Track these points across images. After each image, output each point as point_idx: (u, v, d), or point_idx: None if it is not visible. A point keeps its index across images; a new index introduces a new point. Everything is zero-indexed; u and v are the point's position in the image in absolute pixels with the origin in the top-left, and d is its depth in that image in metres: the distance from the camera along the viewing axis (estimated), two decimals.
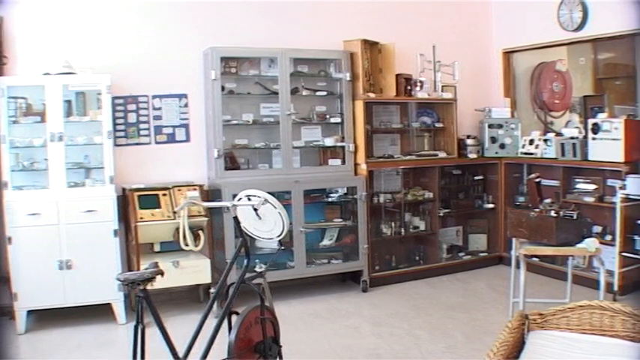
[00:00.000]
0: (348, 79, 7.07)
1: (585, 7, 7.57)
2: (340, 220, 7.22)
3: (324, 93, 7.23)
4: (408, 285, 7.33)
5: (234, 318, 4.02)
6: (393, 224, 7.51)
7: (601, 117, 7.21)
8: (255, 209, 4.06)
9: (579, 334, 3.72)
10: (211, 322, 3.90)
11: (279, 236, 4.20)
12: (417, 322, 6.04)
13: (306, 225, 6.81)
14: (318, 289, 7.11)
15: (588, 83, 9.55)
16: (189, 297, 6.68)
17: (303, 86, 7.14)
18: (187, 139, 6.86)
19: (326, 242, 7.21)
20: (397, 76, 7.46)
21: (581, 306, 3.77)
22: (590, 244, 5.34)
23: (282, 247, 6.47)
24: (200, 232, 6.20)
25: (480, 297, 6.94)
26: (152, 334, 3.59)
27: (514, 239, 5.95)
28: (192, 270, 6.20)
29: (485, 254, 8.26)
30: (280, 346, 4.30)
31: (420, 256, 7.81)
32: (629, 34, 7.26)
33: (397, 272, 7.47)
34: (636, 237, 6.74)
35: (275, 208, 4.07)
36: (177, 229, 6.00)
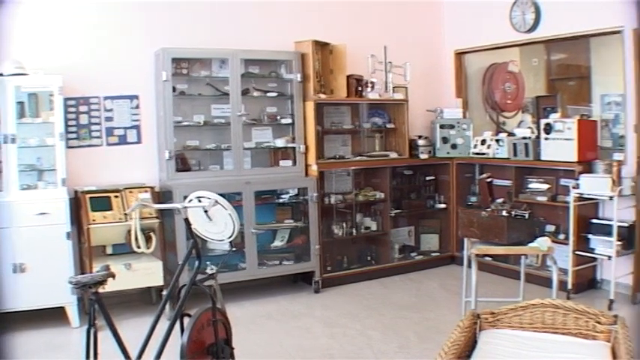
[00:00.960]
0: (299, 80, 7.34)
1: (538, 9, 7.98)
2: (291, 221, 7.49)
3: (275, 94, 7.47)
4: (361, 285, 7.63)
5: (186, 320, 4.15)
6: (344, 225, 7.80)
7: (554, 117, 7.56)
8: (206, 211, 4.23)
9: (531, 332, 3.89)
10: (164, 325, 4.02)
11: (229, 238, 4.35)
12: (370, 322, 6.30)
13: (258, 226, 7.03)
14: (270, 291, 7.35)
15: (541, 84, 9.86)
16: (141, 299, 6.82)
17: (254, 87, 7.36)
18: (139, 141, 7.04)
19: (277, 243, 7.46)
20: (348, 77, 7.75)
21: (533, 304, 3.95)
22: (542, 243, 5.56)
23: (234, 249, 6.77)
24: (152, 234, 6.37)
25: (433, 297, 7.25)
26: (105, 337, 3.71)
27: (466, 239, 6.22)
28: (144, 272, 6.37)
29: (438, 254, 8.62)
30: (232, 348, 4.47)
31: (372, 256, 8.12)
32: (583, 35, 7.70)
33: (349, 273, 7.77)
34: (590, 235, 7.14)
35: (225, 209, 4.24)
36: (129, 232, 6.18)
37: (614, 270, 6.77)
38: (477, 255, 5.70)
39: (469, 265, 5.84)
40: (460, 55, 9.24)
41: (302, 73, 7.42)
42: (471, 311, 4.02)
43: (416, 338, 5.86)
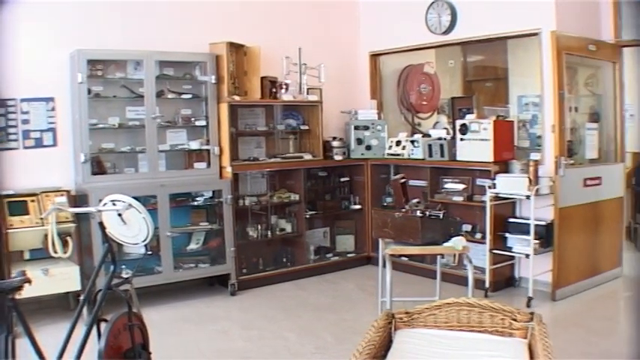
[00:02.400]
0: (214, 81, 7.52)
1: (454, 11, 8.34)
2: (206, 223, 7.68)
3: (190, 96, 7.64)
4: (277, 287, 7.88)
5: (103, 325, 4.20)
6: (259, 227, 8.05)
7: (469, 118, 7.89)
8: (120, 214, 4.31)
9: (447, 330, 4.03)
10: (82, 330, 4.09)
11: (144, 241, 4.42)
12: (286, 324, 6.50)
13: (173, 229, 7.19)
14: (187, 294, 7.48)
15: (457, 85, 10.42)
16: (59, 305, 6.80)
17: (168, 89, 7.49)
18: (55, 144, 7.05)
19: (193, 246, 7.64)
20: (263, 78, 7.99)
21: (448, 303, 4.08)
22: (456, 242, 5.72)
23: (149, 252, 6.90)
24: (68, 239, 6.43)
25: (349, 297, 7.55)
26: (23, 344, 3.75)
27: (380, 239, 6.39)
28: (61, 277, 6.42)
29: (353, 255, 8.95)
30: (150, 353, 4.56)
31: (288, 258, 8.37)
32: (500, 36, 8.09)
33: (265, 275, 8.00)
34: (507, 234, 7.53)
35: (140, 212, 4.32)
36: (46, 236, 6.21)
37: (533, 268, 7.11)
38: (392, 255, 5.87)
39: (384, 266, 6.00)
40: (375, 56, 9.57)
41: (216, 75, 7.59)
42: (385, 311, 4.16)
43: (332, 339, 6.08)
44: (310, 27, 8.97)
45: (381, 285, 6.32)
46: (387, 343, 3.85)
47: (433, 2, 8.51)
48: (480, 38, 8.28)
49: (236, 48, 7.82)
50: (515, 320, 3.97)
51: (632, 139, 10.63)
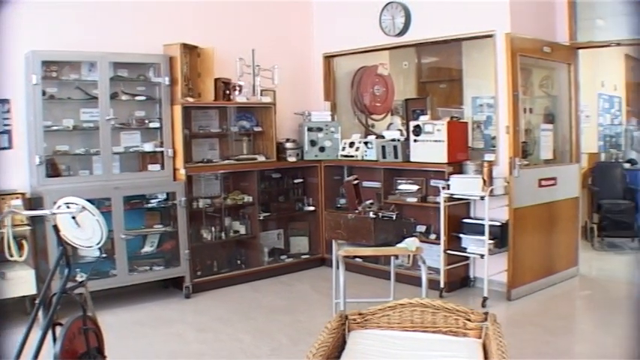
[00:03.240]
0: (167, 83, 7.58)
1: (408, 13, 8.52)
2: (161, 226, 7.74)
3: (144, 98, 7.67)
4: (231, 289, 7.98)
5: (58, 329, 4.21)
6: (213, 229, 8.13)
7: (423, 119, 8.05)
8: (74, 217, 4.31)
9: (400, 331, 4.07)
10: (38, 335, 4.09)
11: (98, 244, 4.42)
12: (241, 326, 6.58)
13: (127, 232, 7.21)
14: (142, 297, 7.52)
15: (411, 86, 10.59)
16: (16, 309, 6.72)
17: (122, 91, 7.52)
18: (10, 146, 7.02)
19: (147, 249, 7.69)
20: (216, 80, 8.06)
21: (401, 304, 4.13)
22: (410, 243, 5.74)
23: (104, 255, 6.90)
24: (24, 242, 6.40)
25: (304, 299, 7.67)
26: None
27: (333, 241, 6.43)
28: (17, 281, 6.42)
29: (308, 256, 9.10)
30: (105, 356, 4.58)
31: (242, 260, 8.49)
32: (454, 38, 8.30)
33: (220, 277, 8.10)
34: (462, 235, 7.70)
35: (93, 215, 4.32)
36: (2, 239, 6.06)
37: (488, 268, 7.29)
38: (346, 257, 5.88)
39: (338, 267, 6.00)
40: (329, 58, 9.73)
41: (170, 77, 7.66)
42: (339, 312, 4.21)
43: (288, 341, 6.18)
44: (264, 28, 9.08)
45: (335, 286, 6.37)
46: (340, 345, 3.90)
47: (387, 4, 8.68)
48: (434, 40, 8.47)
49: (190, 49, 7.89)
50: (469, 320, 4.04)
51: (588, 140, 10.99)
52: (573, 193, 8.51)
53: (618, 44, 8.50)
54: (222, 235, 8.28)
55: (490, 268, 7.33)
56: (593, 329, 6.94)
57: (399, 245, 5.88)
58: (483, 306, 7.14)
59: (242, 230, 8.48)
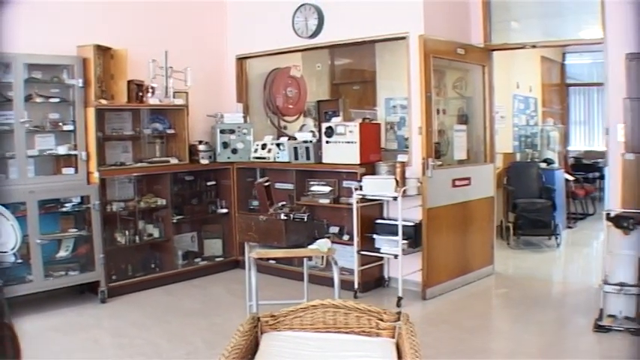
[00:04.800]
0: (81, 85, 8.08)
1: (321, 15, 9.26)
2: (75, 230, 8.21)
3: (58, 100, 8.14)
4: (146, 293, 8.55)
5: None
6: (127, 232, 8.73)
7: (335, 121, 8.75)
8: None
9: (313, 332, 4.30)
10: None
11: (13, 249, 4.80)
12: (157, 330, 7.07)
13: (42, 236, 7.64)
14: (58, 302, 7.88)
15: (324, 88, 11.43)
16: None
17: (37, 93, 7.95)
18: None
19: (63, 253, 8.13)
20: (129, 82, 8.63)
21: (313, 305, 4.37)
22: (322, 244, 6.18)
23: (19, 261, 7.33)
24: None
25: (219, 302, 8.27)
26: None
27: (246, 243, 6.92)
28: None
29: (222, 259, 9.83)
30: None
31: (157, 263, 9.11)
32: (367, 40, 9.04)
33: (134, 281, 8.68)
34: (375, 235, 8.35)
35: (7, 220, 4.68)
36: None
37: (402, 268, 7.93)
38: (260, 259, 6.35)
39: (250, 269, 6.33)
40: (242, 59, 10.50)
41: (84, 79, 8.16)
42: (251, 315, 4.44)
43: (203, 344, 6.66)
44: (177, 30, 9.72)
45: (248, 289, 6.74)
46: (253, 347, 4.13)
47: (300, 6, 9.44)
48: (347, 42, 9.22)
49: (103, 51, 8.44)
50: (381, 320, 4.31)
51: (503, 140, 11.97)
52: (488, 193, 9.39)
53: (533, 46, 9.40)
54: (137, 238, 8.89)
55: (404, 268, 8.00)
56: (510, 327, 7.64)
57: (311, 247, 6.33)
58: (398, 306, 7.79)
59: (156, 233, 9.09)
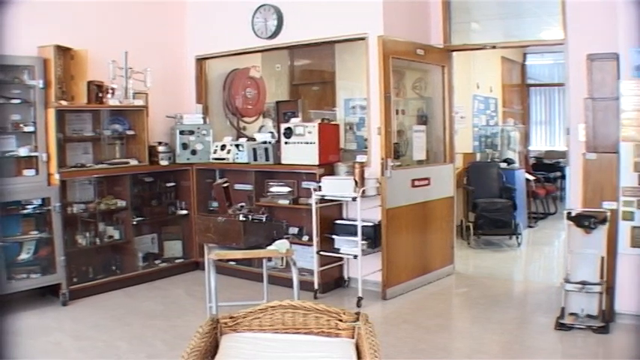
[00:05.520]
0: (42, 86, 8.33)
1: (280, 15, 9.60)
2: (36, 232, 8.42)
3: (19, 101, 8.34)
4: (107, 296, 8.82)
5: None
6: (88, 234, 9.00)
7: (294, 121, 9.05)
8: None
9: (272, 333, 4.43)
10: None
11: None
12: (118, 333, 7.31)
13: (4, 239, 7.90)
14: (20, 305, 8.06)
15: (284, 89, 11.83)
16: None
17: None
18: None
19: (24, 256, 8.35)
20: (89, 83, 8.90)
21: (272, 306, 4.49)
22: (280, 245, 6.39)
23: None
24: None
25: (179, 304, 8.54)
26: None
27: (205, 244, 7.03)
28: None
29: (182, 260, 10.18)
30: None
31: (117, 265, 9.39)
32: (326, 41, 9.37)
33: (95, 283, 8.94)
34: (334, 236, 8.66)
35: None
36: None
37: (362, 268, 8.25)
38: (220, 260, 6.55)
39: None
40: (201, 60, 10.83)
41: (44, 80, 8.40)
42: (210, 316, 4.54)
43: (164, 346, 6.91)
44: (137, 30, 10.03)
45: (208, 290, 6.82)
46: (213, 349, 4.25)
47: (260, 6, 9.79)
48: (306, 42, 9.56)
49: (63, 51, 8.70)
50: (340, 321, 4.44)
51: (463, 140, 12.44)
52: (448, 193, 9.80)
53: (493, 47, 9.78)
54: (97, 240, 9.17)
55: (364, 268, 8.34)
56: (471, 326, 7.93)
57: (269, 248, 6.53)
58: (358, 306, 8.13)
59: (116, 235, 9.38)
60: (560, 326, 7.25)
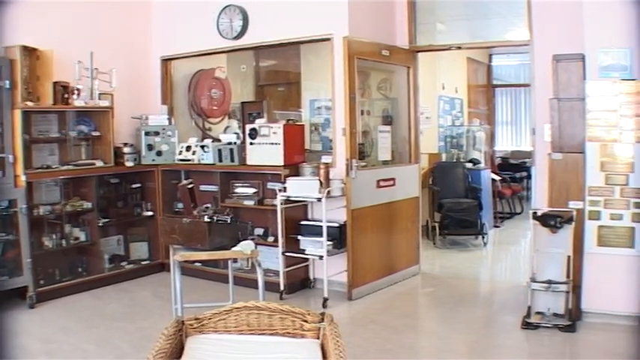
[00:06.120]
0: (8, 87, 8.43)
1: (246, 16, 9.85)
2: (3, 234, 8.54)
3: None
4: (74, 298, 8.97)
5: None
6: (54, 236, 9.17)
7: (259, 122, 9.24)
8: None
9: (237, 335, 4.52)
10: None
11: None
12: (85, 335, 7.44)
13: None
14: None
15: (249, 90, 12.09)
16: None
17: None
18: None
19: None
20: (55, 83, 9.07)
21: (237, 308, 4.58)
22: (245, 246, 6.52)
23: None
24: None
25: (146, 306, 8.73)
26: None
27: (170, 246, 7.26)
28: None
29: (148, 262, 10.40)
30: None
31: (84, 267, 9.59)
32: (291, 42, 9.63)
33: (62, 285, 9.09)
34: (300, 237, 8.85)
35: None
36: None
37: (327, 269, 8.46)
38: (186, 261, 6.79)
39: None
40: (167, 61, 11.08)
41: (11, 80, 8.52)
42: (175, 318, 4.60)
43: (131, 349, 7.04)
44: (103, 31, 10.21)
45: (174, 292, 7.05)
46: (179, 350, 4.31)
47: (225, 7, 10.05)
48: (272, 43, 9.83)
49: (29, 52, 8.85)
50: (305, 322, 4.54)
51: (428, 141, 12.77)
52: (413, 193, 10.09)
53: (459, 47, 10.14)
54: (64, 242, 9.35)
55: (330, 268, 8.54)
56: (437, 325, 8.16)
57: (234, 249, 6.67)
58: (324, 306, 8.32)
59: (82, 237, 9.58)
60: (527, 325, 7.45)
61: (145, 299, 9.12)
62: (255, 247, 6.75)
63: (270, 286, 8.43)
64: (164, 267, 10.28)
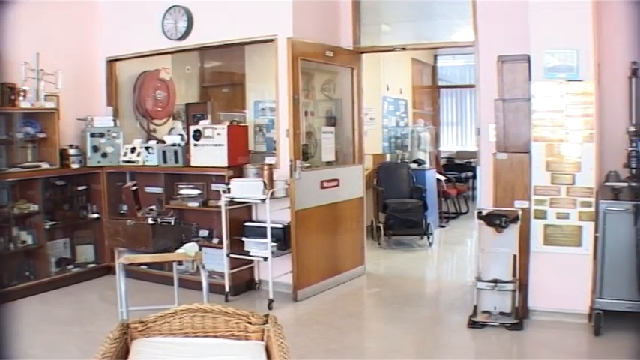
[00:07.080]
0: None
1: (190, 17, 10.19)
2: None
3: None
4: (22, 302, 9.04)
5: None
6: (2, 240, 9.41)
7: (203, 124, 9.58)
8: None
9: (182, 337, 4.62)
10: None
11: None
12: (32, 340, 7.48)
13: None
14: None
15: (194, 91, 12.47)
16: None
17: None
18: None
19: None
20: (2, 85, 9.29)
21: (181, 310, 4.68)
22: (189, 248, 6.55)
23: None
24: None
25: (92, 309, 8.96)
26: None
27: (115, 248, 7.63)
28: None
29: (94, 265, 10.69)
30: None
31: (31, 271, 9.83)
32: (236, 43, 9.97)
33: (10, 289, 9.24)
34: (244, 238, 9.13)
35: None
36: None
37: (272, 270, 8.71)
38: (131, 264, 6.77)
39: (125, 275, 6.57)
40: (112, 62, 11.39)
41: None
42: (120, 321, 4.68)
43: (79, 352, 7.21)
44: (49, 31, 10.42)
45: (119, 295, 6.85)
46: (124, 354, 4.40)
47: (170, 8, 10.40)
48: (216, 44, 10.19)
49: None
50: (249, 323, 4.69)
51: (372, 142, 13.34)
52: (358, 194, 10.47)
53: (403, 49, 10.57)
54: (11, 245, 9.60)
55: (275, 270, 8.83)
56: (383, 325, 8.47)
57: (178, 251, 6.74)
58: (270, 308, 8.57)
59: (29, 240, 9.82)
60: (474, 324, 7.77)
61: (92, 302, 9.36)
62: (200, 249, 6.91)
63: (216, 288, 8.81)
64: (110, 270, 10.50)
